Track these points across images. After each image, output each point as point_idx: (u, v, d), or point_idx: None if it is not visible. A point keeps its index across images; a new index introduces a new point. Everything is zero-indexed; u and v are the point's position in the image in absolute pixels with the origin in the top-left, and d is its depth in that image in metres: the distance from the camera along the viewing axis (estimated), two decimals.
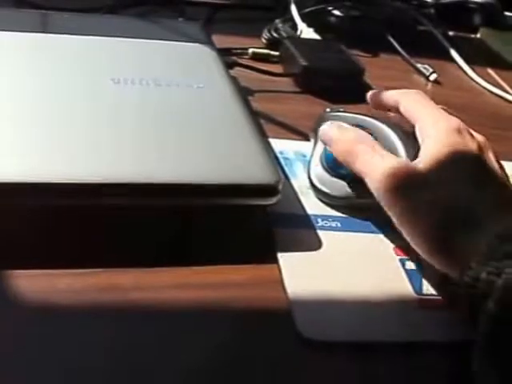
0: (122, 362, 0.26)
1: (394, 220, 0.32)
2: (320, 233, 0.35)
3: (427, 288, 0.32)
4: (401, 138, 0.36)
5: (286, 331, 0.29)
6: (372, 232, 0.35)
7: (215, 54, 0.45)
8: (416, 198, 0.31)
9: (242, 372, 0.27)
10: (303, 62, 0.51)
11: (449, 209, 0.30)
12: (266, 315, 0.29)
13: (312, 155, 0.39)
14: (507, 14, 0.72)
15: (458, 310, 0.30)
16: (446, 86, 0.59)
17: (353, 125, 0.38)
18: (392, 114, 0.40)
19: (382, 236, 0.35)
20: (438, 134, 0.33)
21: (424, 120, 0.35)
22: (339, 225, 0.36)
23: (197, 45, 0.46)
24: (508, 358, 0.25)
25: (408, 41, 0.63)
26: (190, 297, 0.29)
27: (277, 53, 0.55)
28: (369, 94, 0.41)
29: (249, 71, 0.51)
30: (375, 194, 0.32)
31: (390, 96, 0.39)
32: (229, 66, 0.47)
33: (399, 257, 0.34)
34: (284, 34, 0.58)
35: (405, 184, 0.31)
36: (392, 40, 0.63)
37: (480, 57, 0.67)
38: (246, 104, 0.41)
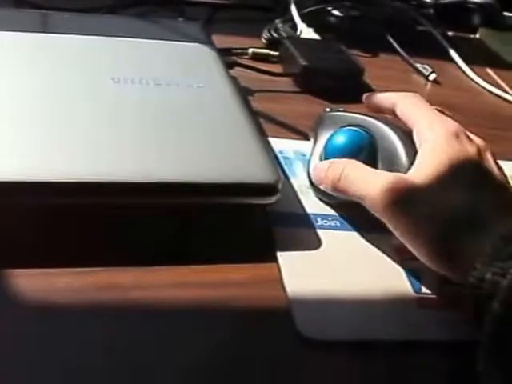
0: (121, 360, 0.26)
1: (395, 233, 0.32)
2: (319, 232, 0.35)
3: (426, 287, 0.32)
4: (401, 138, 0.36)
5: (285, 330, 0.29)
6: (371, 231, 0.35)
7: (215, 54, 0.45)
8: (414, 211, 0.31)
9: (242, 371, 0.27)
10: (303, 62, 0.51)
11: (448, 219, 0.30)
12: (266, 314, 0.29)
13: (312, 154, 0.39)
14: (506, 14, 0.72)
15: (463, 310, 0.30)
16: (446, 86, 0.59)
17: (353, 125, 0.38)
18: (388, 116, 0.40)
19: (381, 235, 0.35)
20: (436, 138, 0.33)
21: (421, 124, 0.35)
22: (339, 224, 0.36)
23: (197, 45, 0.46)
24: None
25: (407, 41, 0.63)
26: (190, 296, 0.29)
27: (277, 53, 0.55)
28: (365, 96, 0.40)
29: (249, 71, 0.51)
30: (374, 211, 0.32)
31: (387, 99, 0.38)
32: (229, 65, 0.47)
33: (398, 256, 0.34)
34: (284, 34, 0.58)
35: (402, 198, 0.31)
36: (391, 40, 0.64)
37: (479, 57, 0.67)
38: (246, 104, 0.41)
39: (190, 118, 0.36)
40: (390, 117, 0.39)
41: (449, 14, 0.70)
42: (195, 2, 0.64)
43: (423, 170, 0.32)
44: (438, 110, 0.36)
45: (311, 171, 0.38)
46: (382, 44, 0.63)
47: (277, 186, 0.33)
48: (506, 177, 0.34)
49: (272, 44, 0.57)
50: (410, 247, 0.31)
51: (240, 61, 0.52)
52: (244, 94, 0.45)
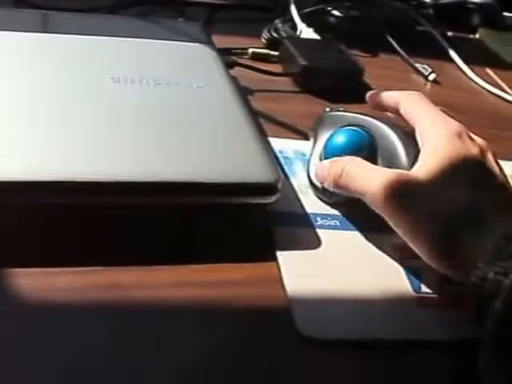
0: (120, 360, 0.26)
1: (396, 230, 0.32)
2: (319, 231, 0.35)
3: (426, 286, 0.32)
4: (401, 138, 0.36)
5: (285, 329, 0.29)
6: (371, 231, 0.35)
7: (215, 54, 0.45)
8: (416, 209, 0.31)
9: (242, 370, 0.27)
10: (303, 62, 0.51)
11: (449, 217, 0.30)
12: (266, 313, 0.29)
13: (311, 154, 0.39)
14: (506, 14, 0.72)
15: (464, 309, 0.30)
16: (445, 86, 0.59)
17: (353, 124, 0.38)
18: (390, 115, 0.40)
19: (380, 234, 0.35)
20: (439, 138, 0.33)
21: (424, 123, 0.35)
22: (338, 223, 0.36)
23: (197, 45, 0.46)
24: None
25: (407, 41, 0.63)
26: (189, 295, 0.29)
27: (276, 53, 0.55)
28: (368, 94, 0.41)
29: (249, 71, 0.51)
30: (375, 207, 0.32)
31: (390, 97, 0.38)
32: (229, 65, 0.47)
33: (398, 255, 0.34)
34: (284, 34, 0.58)
35: (403, 194, 0.31)
36: (391, 40, 0.64)
37: (479, 57, 0.67)
38: (246, 103, 0.41)
39: (190, 117, 0.36)
40: (392, 116, 0.39)
41: (448, 14, 0.70)
42: (195, 2, 0.64)
43: (425, 168, 0.32)
44: (442, 111, 0.36)
45: (314, 170, 0.38)
46: (381, 44, 0.63)
47: (277, 186, 0.33)
48: (506, 176, 0.34)
49: (272, 44, 0.57)
50: (411, 245, 0.31)
51: (240, 61, 0.52)
52: (244, 93, 0.45)
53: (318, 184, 0.37)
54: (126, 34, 0.45)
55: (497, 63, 0.66)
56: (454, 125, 0.34)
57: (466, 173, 0.32)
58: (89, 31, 0.44)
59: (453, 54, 0.64)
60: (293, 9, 0.62)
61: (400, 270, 0.33)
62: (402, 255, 0.34)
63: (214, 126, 0.36)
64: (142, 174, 0.31)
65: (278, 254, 0.32)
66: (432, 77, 0.59)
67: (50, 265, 0.29)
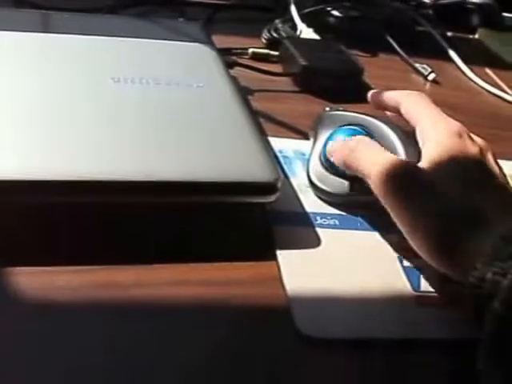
0: (120, 359, 0.26)
1: (395, 220, 0.32)
2: (319, 230, 0.35)
3: (425, 285, 0.32)
4: (400, 138, 0.36)
5: (285, 328, 0.29)
6: (370, 230, 0.35)
7: (215, 54, 0.45)
8: (416, 202, 0.31)
9: (241, 369, 0.27)
10: (303, 62, 0.51)
11: (448, 213, 0.30)
12: (265, 312, 0.29)
13: (311, 154, 0.39)
14: (505, 14, 0.72)
15: (463, 309, 0.30)
16: (445, 86, 0.59)
17: (352, 124, 0.38)
18: (390, 114, 0.40)
19: (380, 234, 0.35)
20: (439, 137, 0.33)
21: (424, 122, 0.35)
22: (338, 223, 0.36)
23: (197, 44, 0.46)
24: None
25: (407, 41, 0.63)
26: (189, 294, 0.29)
27: (276, 53, 0.55)
28: (370, 94, 0.41)
29: (249, 71, 0.51)
30: (376, 192, 0.32)
31: (391, 96, 0.39)
32: (229, 65, 0.47)
33: (397, 254, 0.34)
34: (284, 34, 0.58)
35: (406, 184, 0.31)
36: (391, 40, 0.64)
37: (478, 57, 0.67)
38: (246, 103, 0.41)
39: (190, 117, 0.37)
40: (392, 115, 0.39)
41: (448, 15, 0.70)
42: (195, 2, 0.64)
43: (427, 165, 0.32)
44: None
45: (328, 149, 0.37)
46: (381, 44, 0.63)
47: (276, 185, 0.33)
48: (505, 176, 0.34)
49: (272, 44, 0.57)
50: (410, 241, 0.31)
51: (240, 61, 0.52)
52: (244, 93, 0.45)
53: (317, 183, 0.37)
54: (126, 34, 0.45)
55: (496, 63, 0.67)
56: (454, 125, 0.34)
57: (466, 173, 0.32)
58: (89, 31, 0.44)
59: (452, 54, 0.64)
60: (293, 9, 0.62)
61: (399, 269, 0.33)
62: (402, 254, 0.34)
63: (213, 125, 0.36)
64: (141, 174, 0.31)
65: (278, 253, 0.32)
66: (431, 77, 0.59)
67: (49, 263, 0.29)
